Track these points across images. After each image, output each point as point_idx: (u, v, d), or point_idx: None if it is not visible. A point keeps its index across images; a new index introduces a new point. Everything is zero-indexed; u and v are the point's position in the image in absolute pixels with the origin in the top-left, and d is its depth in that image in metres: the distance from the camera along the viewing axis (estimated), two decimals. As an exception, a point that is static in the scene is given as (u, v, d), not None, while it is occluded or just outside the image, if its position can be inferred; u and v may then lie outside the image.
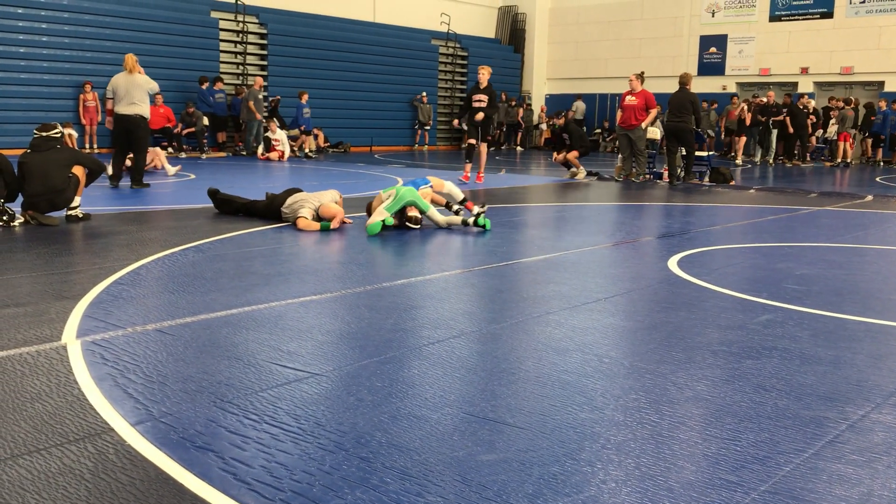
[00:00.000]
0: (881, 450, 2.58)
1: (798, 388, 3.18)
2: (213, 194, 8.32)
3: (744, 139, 20.57)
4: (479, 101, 12.21)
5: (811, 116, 20.55)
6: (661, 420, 2.80)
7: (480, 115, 12.20)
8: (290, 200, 7.60)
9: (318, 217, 7.40)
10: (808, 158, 21.11)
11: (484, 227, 7.54)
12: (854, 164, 20.90)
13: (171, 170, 13.05)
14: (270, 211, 7.74)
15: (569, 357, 3.54)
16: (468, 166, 12.97)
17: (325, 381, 3.13)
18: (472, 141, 12.71)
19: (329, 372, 3.25)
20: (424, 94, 24.09)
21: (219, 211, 8.22)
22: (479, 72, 12.41)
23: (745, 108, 20.38)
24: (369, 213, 7.64)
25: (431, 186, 8.00)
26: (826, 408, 2.96)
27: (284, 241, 6.63)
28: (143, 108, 10.32)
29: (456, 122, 14.67)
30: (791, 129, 20.05)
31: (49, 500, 2.14)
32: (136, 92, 10.20)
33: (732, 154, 20.97)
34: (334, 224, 7.28)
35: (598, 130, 26.64)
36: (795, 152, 20.73)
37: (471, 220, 7.53)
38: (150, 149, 12.72)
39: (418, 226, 7.35)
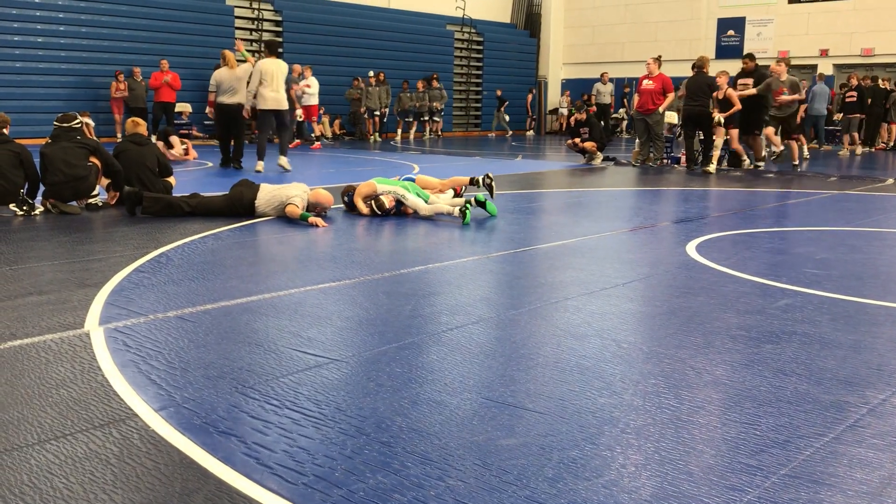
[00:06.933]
0: (902, 434, 2.57)
1: (818, 372, 3.17)
2: (136, 196, 7.13)
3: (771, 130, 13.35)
4: None
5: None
6: (680, 405, 2.80)
7: None
8: (265, 192, 7.08)
9: (308, 207, 7.07)
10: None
11: (484, 205, 7.43)
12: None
13: (179, 152, 13.33)
14: (240, 206, 7.08)
15: (587, 342, 3.54)
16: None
17: (345, 367, 3.15)
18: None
19: (349, 358, 3.27)
20: (372, 73, 21.29)
21: (144, 214, 7.13)
22: None
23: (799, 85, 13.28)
24: (351, 202, 7.48)
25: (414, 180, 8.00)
26: (846, 392, 2.95)
27: (301, 228, 6.65)
28: (242, 97, 12.06)
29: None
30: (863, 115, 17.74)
31: (76, 483, 2.17)
32: (238, 84, 12.05)
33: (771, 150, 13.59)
34: (315, 220, 6.70)
35: (616, 116, 26.37)
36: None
37: (472, 200, 7.43)
38: (176, 138, 13.27)
39: (381, 213, 7.34)
